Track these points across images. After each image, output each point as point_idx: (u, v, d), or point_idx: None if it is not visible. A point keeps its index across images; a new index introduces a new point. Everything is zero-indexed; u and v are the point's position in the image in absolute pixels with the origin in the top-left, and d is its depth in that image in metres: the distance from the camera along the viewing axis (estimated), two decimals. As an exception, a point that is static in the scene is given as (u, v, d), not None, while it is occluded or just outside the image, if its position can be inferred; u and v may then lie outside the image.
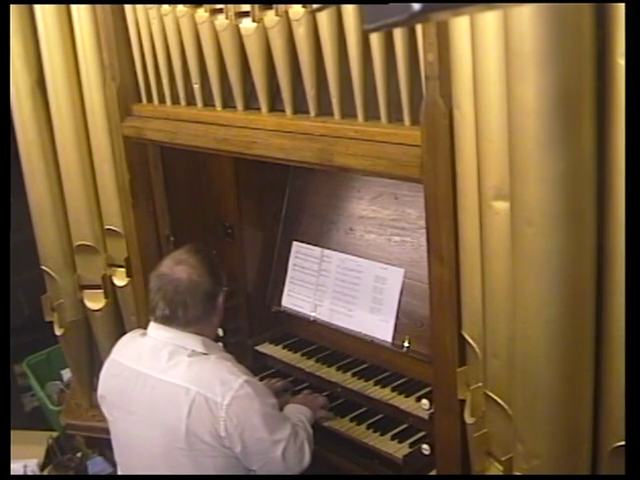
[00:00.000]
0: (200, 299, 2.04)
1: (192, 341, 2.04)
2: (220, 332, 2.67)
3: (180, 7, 2.13)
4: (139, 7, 2.29)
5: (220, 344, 2.15)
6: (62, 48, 2.50)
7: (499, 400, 1.59)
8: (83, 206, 2.68)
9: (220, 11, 2.05)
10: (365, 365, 2.55)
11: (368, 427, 2.30)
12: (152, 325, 2.09)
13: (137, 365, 2.06)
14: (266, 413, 1.98)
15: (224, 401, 1.92)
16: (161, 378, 1.99)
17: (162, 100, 2.40)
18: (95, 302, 2.78)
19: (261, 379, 2.62)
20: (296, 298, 2.72)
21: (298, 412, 2.20)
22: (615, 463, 1.42)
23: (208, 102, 2.26)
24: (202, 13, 2.08)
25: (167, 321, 2.05)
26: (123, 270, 2.70)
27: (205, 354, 2.03)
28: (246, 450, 1.97)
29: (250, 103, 2.16)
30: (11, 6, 2.49)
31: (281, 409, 2.25)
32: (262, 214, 2.81)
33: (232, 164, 2.68)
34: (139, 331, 2.18)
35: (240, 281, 2.81)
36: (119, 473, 2.23)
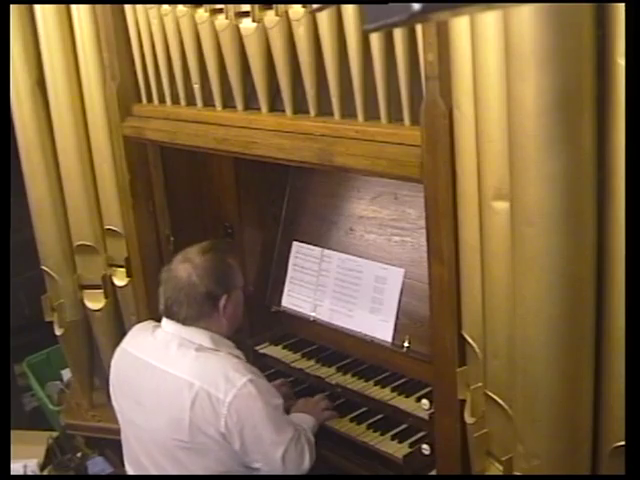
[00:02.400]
0: (196, 300, 2.04)
1: (200, 336, 2.05)
2: None
3: (180, 7, 2.13)
4: (139, 7, 2.29)
5: (231, 343, 2.15)
6: (62, 48, 2.50)
7: (499, 400, 1.59)
8: (83, 206, 2.68)
9: (220, 11, 2.05)
10: (365, 365, 2.54)
11: (368, 427, 2.30)
12: (164, 319, 2.12)
13: (145, 356, 2.09)
14: (268, 413, 1.98)
15: (226, 398, 1.93)
16: (167, 370, 2.01)
17: (162, 100, 2.40)
18: (95, 302, 2.78)
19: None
20: (296, 298, 2.71)
21: (300, 421, 2.19)
22: (615, 463, 1.42)
23: (208, 102, 2.26)
24: (202, 13, 2.08)
25: (168, 314, 2.09)
26: (123, 270, 2.70)
27: (213, 349, 2.04)
28: (245, 447, 1.97)
29: (250, 103, 2.16)
30: (11, 6, 2.49)
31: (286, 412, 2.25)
32: (262, 214, 2.81)
33: (232, 164, 2.68)
34: (152, 323, 2.19)
35: (240, 281, 2.81)
36: (125, 461, 2.24)
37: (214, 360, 2.02)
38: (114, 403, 2.22)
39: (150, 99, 2.45)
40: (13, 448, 2.50)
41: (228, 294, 2.09)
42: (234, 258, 2.17)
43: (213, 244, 2.18)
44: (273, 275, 2.81)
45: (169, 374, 2.01)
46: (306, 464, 2.07)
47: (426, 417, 2.20)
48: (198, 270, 2.05)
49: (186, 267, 2.06)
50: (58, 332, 2.88)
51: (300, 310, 2.70)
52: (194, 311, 2.05)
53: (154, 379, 2.04)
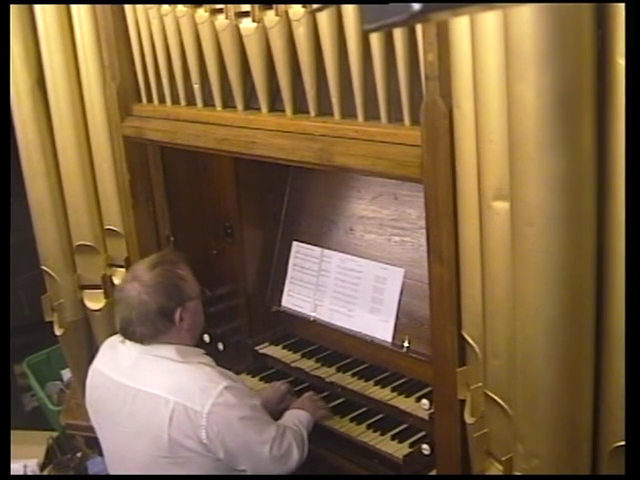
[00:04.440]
0: (148, 318, 2.01)
1: (165, 351, 2.03)
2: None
3: (180, 7, 2.13)
4: (139, 7, 2.29)
5: (199, 350, 2.12)
6: (62, 48, 2.50)
7: (499, 400, 1.59)
8: (83, 206, 2.68)
9: (220, 11, 2.05)
10: (365, 365, 2.54)
11: (368, 427, 2.29)
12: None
13: (117, 376, 2.06)
14: (248, 417, 1.97)
15: (204, 409, 1.91)
16: (141, 389, 1.99)
17: (162, 100, 2.40)
18: (95, 302, 2.78)
19: (261, 379, 2.63)
20: (296, 298, 2.71)
21: (295, 417, 2.19)
22: (615, 463, 1.42)
23: (208, 102, 2.26)
24: (202, 13, 2.08)
25: (125, 335, 2.06)
26: (123, 270, 2.69)
27: (182, 362, 2.01)
28: (229, 455, 1.97)
29: (250, 103, 2.16)
30: (11, 6, 2.49)
31: (284, 411, 2.25)
32: (262, 214, 2.81)
33: (232, 164, 2.68)
34: (119, 338, 2.13)
35: (240, 281, 2.81)
36: None
37: (186, 372, 1.99)
38: (94, 424, 2.20)
39: (150, 99, 2.45)
40: (13, 448, 2.49)
41: (182, 306, 2.04)
42: (185, 269, 2.10)
43: (161, 257, 2.14)
44: (273, 275, 2.81)
45: (143, 392, 1.99)
46: (294, 459, 2.05)
47: (426, 417, 2.19)
48: (147, 288, 2.01)
49: (135, 286, 2.02)
50: (58, 332, 2.87)
51: (300, 310, 2.70)
52: (149, 329, 2.01)
53: (128, 399, 2.01)
